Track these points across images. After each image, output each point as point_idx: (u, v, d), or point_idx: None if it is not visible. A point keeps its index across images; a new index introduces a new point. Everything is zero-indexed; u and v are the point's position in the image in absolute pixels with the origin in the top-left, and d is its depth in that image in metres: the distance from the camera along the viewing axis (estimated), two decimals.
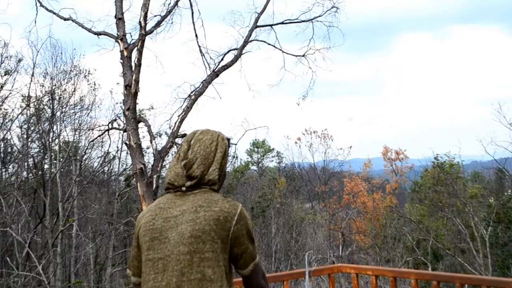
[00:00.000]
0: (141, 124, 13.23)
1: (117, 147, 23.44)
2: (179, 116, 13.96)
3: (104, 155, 24.24)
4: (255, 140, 50.04)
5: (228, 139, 3.06)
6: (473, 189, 27.62)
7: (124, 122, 13.34)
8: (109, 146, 23.04)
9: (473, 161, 36.28)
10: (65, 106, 21.98)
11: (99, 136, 15.59)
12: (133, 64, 12.75)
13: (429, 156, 30.71)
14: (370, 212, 31.75)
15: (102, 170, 25.07)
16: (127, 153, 24.05)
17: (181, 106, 14.38)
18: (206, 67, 15.01)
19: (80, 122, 22.69)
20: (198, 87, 14.44)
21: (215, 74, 14.72)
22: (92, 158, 25.19)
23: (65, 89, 22.05)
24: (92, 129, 18.90)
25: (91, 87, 23.06)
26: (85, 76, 22.97)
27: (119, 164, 24.25)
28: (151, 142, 13.39)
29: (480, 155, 25.53)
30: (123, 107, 12.98)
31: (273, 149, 52.66)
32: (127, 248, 22.81)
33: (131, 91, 12.49)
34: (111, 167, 25.55)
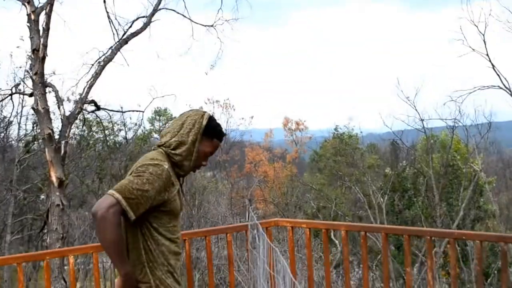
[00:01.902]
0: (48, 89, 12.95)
1: (17, 112, 22.71)
2: (87, 82, 13.77)
3: (1, 119, 23.44)
4: (157, 108, 49.61)
5: (209, 117, 3.40)
6: (370, 160, 28.70)
7: (29, 86, 13.04)
8: (13, 110, 22.28)
9: (369, 133, 37.43)
10: None
11: (2, 100, 15.05)
12: (41, 28, 12.43)
13: (329, 127, 31.60)
14: (271, 181, 32.35)
15: None
16: (27, 118, 23.39)
17: (88, 72, 14.18)
18: (114, 34, 14.82)
19: None
20: (107, 53, 14.26)
21: (124, 41, 14.57)
22: None
23: None
24: None
25: None
26: None
27: (18, 129, 23.54)
28: (58, 108, 13.13)
29: (379, 128, 26.51)
30: (31, 71, 12.66)
31: (175, 117, 52.32)
32: (27, 215, 22.30)
33: (39, 56, 12.18)
34: (9, 132, 24.76)
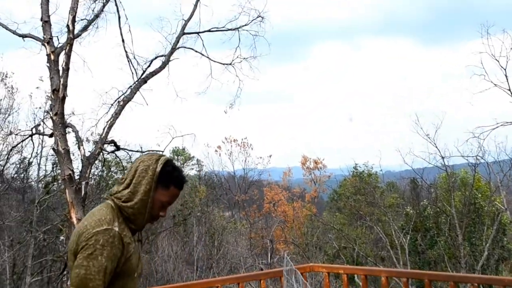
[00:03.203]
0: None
1: (36, 153, 22.76)
2: (107, 122, 13.81)
3: (21, 160, 23.53)
4: (176, 148, 49.73)
5: (165, 162, 3.05)
6: (390, 199, 28.40)
7: (49, 127, 13.07)
8: (33, 151, 22.34)
9: (387, 171, 37.17)
10: None
11: (22, 141, 15.13)
12: (60, 68, 12.50)
13: (347, 165, 31.33)
14: (291, 221, 32.10)
15: (18, 176, 24.32)
16: (46, 159, 23.44)
17: (107, 112, 14.25)
18: (133, 73, 14.95)
19: None
20: (126, 93, 14.32)
21: (143, 80, 14.68)
22: (9, 164, 24.34)
23: None
24: (15, 134, 18.29)
25: (9, 90, 22.31)
26: (1, 79, 22.22)
27: (38, 170, 23.58)
28: (79, 148, 13.13)
29: (399, 165, 26.25)
30: (51, 112, 12.69)
31: (193, 157, 52.54)
32: (47, 256, 22.19)
33: (59, 96, 12.22)
34: (29, 173, 24.82)
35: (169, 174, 3.01)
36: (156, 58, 15.16)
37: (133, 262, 2.93)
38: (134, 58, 14.91)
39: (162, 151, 16.07)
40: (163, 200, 3.01)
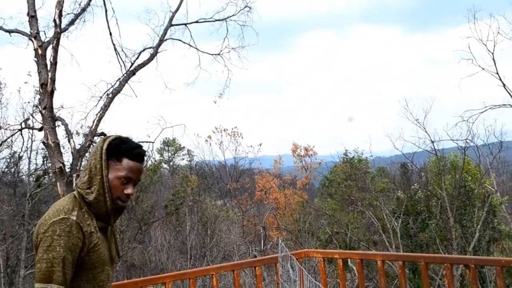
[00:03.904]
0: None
1: (26, 147, 22.74)
2: (96, 114, 13.82)
3: (12, 155, 23.49)
4: (166, 138, 49.76)
5: (113, 138, 2.94)
6: (381, 183, 28.52)
7: (39, 121, 13.08)
8: (23, 145, 22.31)
9: (377, 157, 37.28)
10: None
11: (12, 135, 15.14)
12: (48, 63, 12.50)
13: (338, 152, 31.43)
14: (283, 208, 32.20)
15: (8, 170, 24.27)
16: (37, 153, 23.42)
17: (96, 105, 14.26)
18: (121, 65, 14.94)
19: None
20: (115, 85, 14.33)
21: (132, 72, 14.69)
22: None
23: None
24: (4, 129, 18.24)
25: None
26: None
27: (29, 164, 23.55)
28: (69, 141, 13.12)
29: (389, 151, 26.34)
30: (40, 106, 12.69)
31: (183, 147, 52.55)
32: None
33: (47, 90, 12.24)
34: (19, 167, 24.78)
35: (116, 147, 2.89)
36: (144, 50, 15.19)
37: (100, 253, 2.84)
38: (122, 50, 14.93)
39: (153, 142, 16.11)
40: (120, 175, 2.86)
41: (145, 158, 3.05)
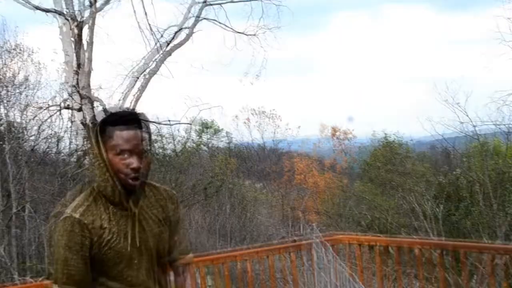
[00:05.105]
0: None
1: (66, 127, 22.87)
2: (133, 95, 13.81)
3: (52, 135, 23.66)
4: (204, 120, 49.76)
5: (95, 122, 2.66)
6: (422, 168, 28.09)
7: (76, 101, 13.08)
8: (63, 125, 22.43)
9: (417, 141, 36.82)
10: (10, 86, 21.19)
11: (51, 116, 15.17)
12: (85, 43, 12.50)
13: (377, 136, 31.06)
14: (322, 192, 32.00)
15: (50, 151, 24.49)
16: (77, 133, 23.55)
17: (132, 85, 14.22)
18: (157, 46, 14.80)
19: (26, 102, 21.90)
20: (151, 66, 14.30)
21: (168, 53, 14.64)
22: (39, 139, 24.48)
23: (8, 69, 21.33)
24: (44, 109, 18.29)
25: (36, 66, 22.32)
26: (29, 55, 22.25)
27: (69, 144, 23.72)
28: None
29: (424, 135, 25.89)
30: (77, 86, 12.69)
31: (222, 129, 52.48)
32: None
33: (85, 70, 12.26)
34: (60, 148, 24.99)
35: (105, 123, 2.60)
36: (180, 30, 15.04)
37: (120, 248, 2.65)
38: (158, 31, 14.80)
39: (191, 123, 16.03)
40: (116, 149, 2.58)
41: (142, 123, 2.69)
